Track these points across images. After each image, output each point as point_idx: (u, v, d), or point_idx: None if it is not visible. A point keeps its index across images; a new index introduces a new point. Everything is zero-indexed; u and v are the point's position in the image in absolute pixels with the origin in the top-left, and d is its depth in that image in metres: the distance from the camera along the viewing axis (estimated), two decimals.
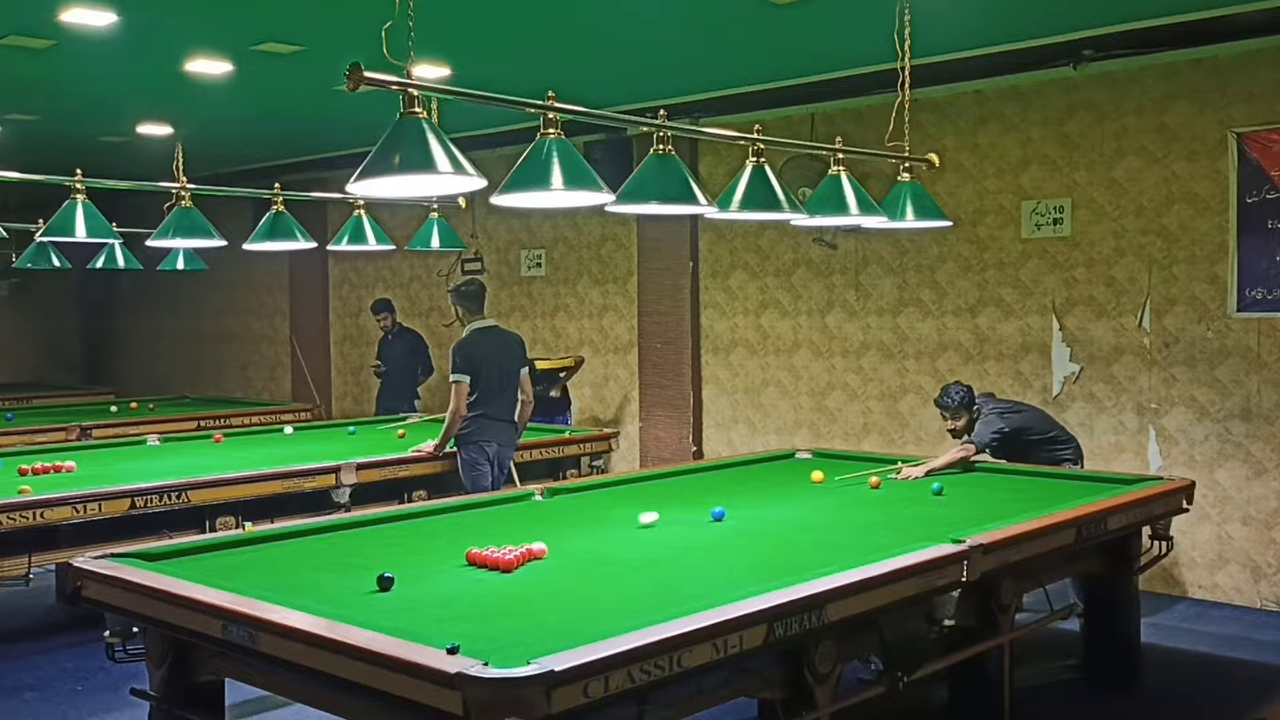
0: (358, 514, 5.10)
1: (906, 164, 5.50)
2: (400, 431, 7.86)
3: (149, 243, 6.68)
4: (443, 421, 6.70)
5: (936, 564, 3.84)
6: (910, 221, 5.53)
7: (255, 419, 9.06)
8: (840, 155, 5.14)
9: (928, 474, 5.73)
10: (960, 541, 4.00)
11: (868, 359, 8.20)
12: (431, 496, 6.22)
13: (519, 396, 6.74)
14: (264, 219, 6.75)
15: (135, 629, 3.70)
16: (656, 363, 9.33)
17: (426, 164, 3.47)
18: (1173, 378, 6.88)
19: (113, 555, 3.91)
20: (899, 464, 5.92)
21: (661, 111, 4.37)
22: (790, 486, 5.61)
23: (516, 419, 6.74)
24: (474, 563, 3.86)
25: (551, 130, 3.85)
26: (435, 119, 3.90)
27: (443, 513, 4.94)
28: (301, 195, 7.42)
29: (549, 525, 4.62)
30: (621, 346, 9.61)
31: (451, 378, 6.50)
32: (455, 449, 6.59)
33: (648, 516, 4.61)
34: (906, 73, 5.52)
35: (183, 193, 6.31)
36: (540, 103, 3.86)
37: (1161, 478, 5.61)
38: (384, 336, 9.99)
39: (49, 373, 14.68)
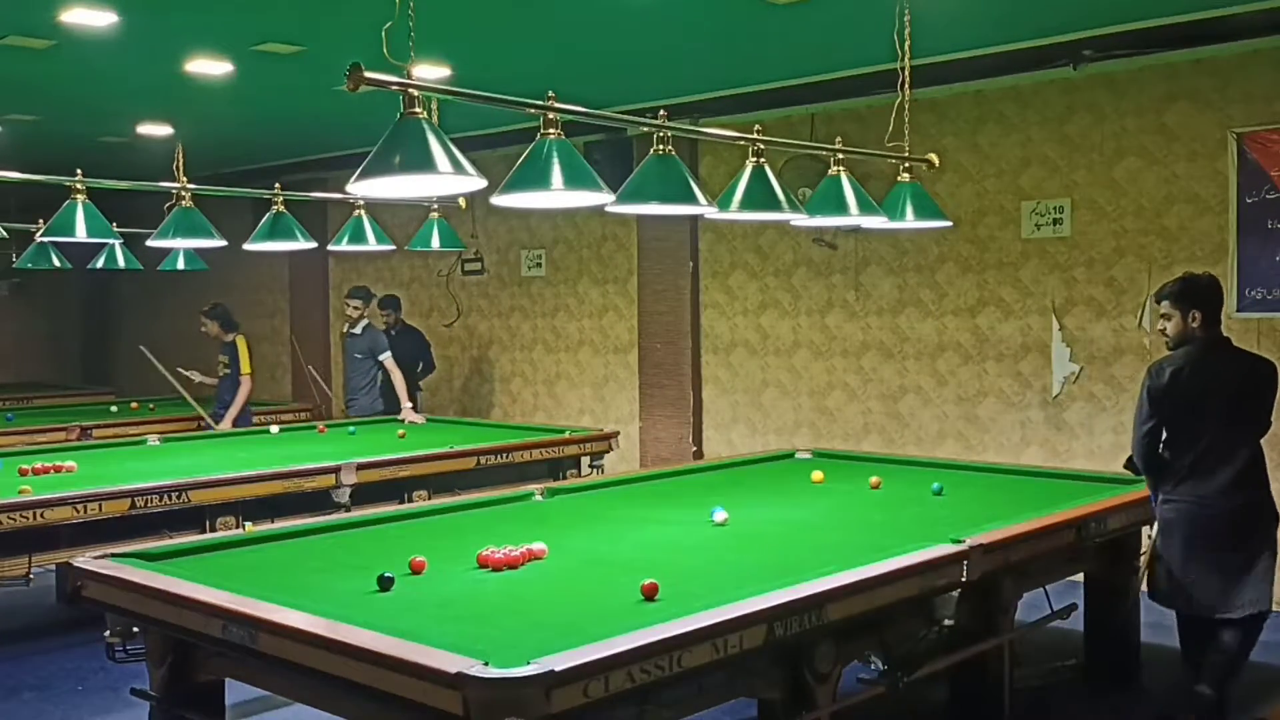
0: (358, 514, 5.10)
1: (906, 164, 5.50)
2: (400, 432, 7.87)
3: (149, 243, 6.68)
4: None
5: (936, 564, 3.84)
6: (910, 221, 5.53)
7: (254, 419, 9.05)
8: (840, 155, 5.14)
9: None
10: (960, 541, 4.00)
11: (868, 359, 8.20)
12: (432, 496, 6.23)
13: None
14: (264, 219, 6.74)
15: (135, 629, 3.70)
16: (656, 363, 9.33)
17: (426, 164, 3.47)
18: None
19: (113, 555, 3.91)
20: None
21: (661, 111, 4.37)
22: (790, 486, 5.61)
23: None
24: (485, 565, 3.86)
25: (551, 130, 3.85)
26: (435, 119, 3.91)
27: (443, 513, 4.93)
28: (301, 195, 7.42)
29: (549, 525, 4.62)
30: (621, 346, 9.61)
31: (384, 356, 8.79)
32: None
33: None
34: (906, 73, 5.52)
35: (183, 193, 6.31)
36: (540, 103, 3.86)
37: None
38: (384, 331, 9.95)
39: (49, 373, 14.66)
